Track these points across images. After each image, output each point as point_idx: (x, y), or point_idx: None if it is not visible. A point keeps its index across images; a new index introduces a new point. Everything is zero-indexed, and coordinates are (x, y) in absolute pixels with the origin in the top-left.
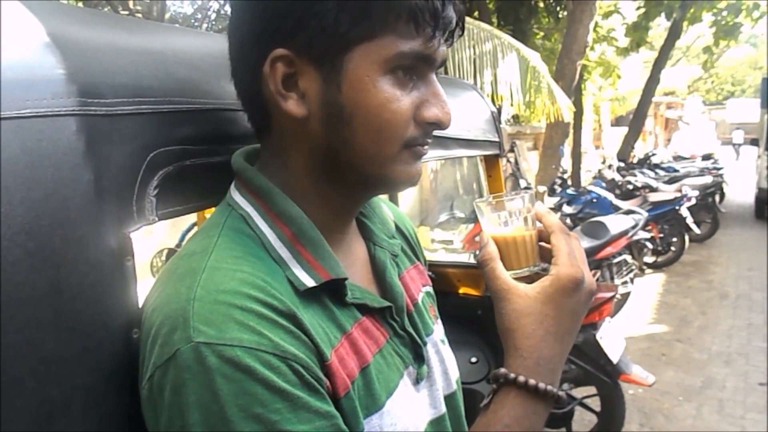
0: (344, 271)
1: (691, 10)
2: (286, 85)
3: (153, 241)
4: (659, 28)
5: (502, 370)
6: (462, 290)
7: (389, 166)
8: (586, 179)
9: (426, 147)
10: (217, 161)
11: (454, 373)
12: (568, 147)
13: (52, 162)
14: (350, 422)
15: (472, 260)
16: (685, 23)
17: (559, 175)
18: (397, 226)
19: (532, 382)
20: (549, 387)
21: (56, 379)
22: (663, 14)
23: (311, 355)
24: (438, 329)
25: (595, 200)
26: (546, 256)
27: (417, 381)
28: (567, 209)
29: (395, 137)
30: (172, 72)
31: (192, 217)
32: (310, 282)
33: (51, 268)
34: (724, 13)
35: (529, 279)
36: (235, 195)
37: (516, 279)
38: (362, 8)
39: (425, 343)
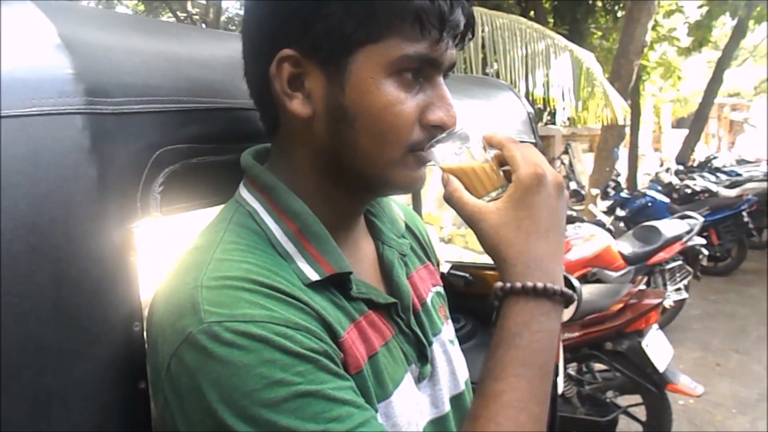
0: (349, 266)
1: (758, 9)
2: (292, 85)
3: None
4: (724, 27)
5: (498, 284)
6: None
7: (391, 170)
8: (643, 183)
9: None
10: (226, 159)
11: (463, 374)
12: (624, 149)
13: (56, 159)
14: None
15: None
16: (751, 22)
17: (613, 177)
18: (408, 226)
19: (528, 284)
20: (548, 284)
21: (54, 370)
22: (727, 13)
23: (323, 329)
24: (447, 329)
25: (650, 204)
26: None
27: (419, 380)
28: (620, 212)
29: (398, 140)
30: (183, 72)
31: None
32: (314, 276)
33: (52, 262)
34: None
35: None
36: (243, 192)
37: None
38: (367, 11)
39: (431, 343)
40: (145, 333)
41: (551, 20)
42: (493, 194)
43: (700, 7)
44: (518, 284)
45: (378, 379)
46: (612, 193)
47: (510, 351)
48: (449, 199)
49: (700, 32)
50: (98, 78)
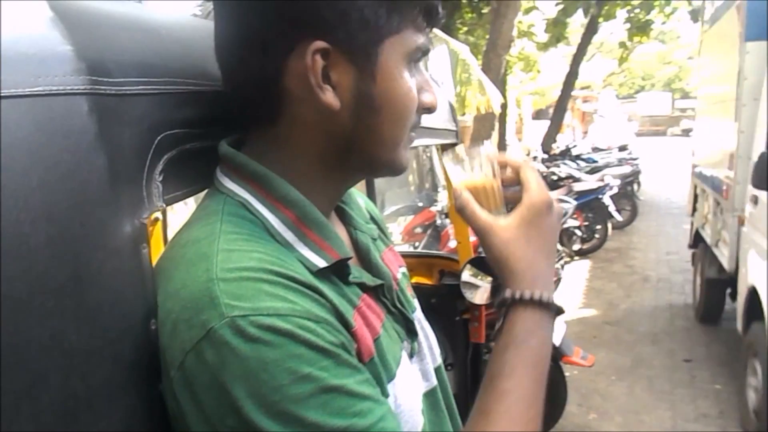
0: (348, 251)
1: (606, 7)
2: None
3: None
4: (576, 24)
5: (508, 291)
6: (414, 280)
7: (399, 151)
8: None
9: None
10: (213, 145)
11: (437, 348)
12: (495, 138)
13: (67, 143)
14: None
15: (421, 250)
16: (600, 19)
17: None
18: (368, 212)
19: (537, 294)
20: (551, 298)
21: (80, 372)
22: (580, 10)
23: (337, 320)
24: (418, 307)
25: None
26: (510, 199)
27: (410, 356)
28: None
29: (408, 123)
30: (170, 51)
31: None
32: (321, 262)
33: (71, 255)
34: (637, 11)
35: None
36: (227, 182)
37: None
38: (395, 2)
39: (413, 320)
40: None
41: None
42: (502, 211)
43: (557, 5)
44: (528, 294)
45: (383, 361)
46: None
47: (519, 353)
48: (462, 210)
49: (557, 29)
50: (97, 55)
